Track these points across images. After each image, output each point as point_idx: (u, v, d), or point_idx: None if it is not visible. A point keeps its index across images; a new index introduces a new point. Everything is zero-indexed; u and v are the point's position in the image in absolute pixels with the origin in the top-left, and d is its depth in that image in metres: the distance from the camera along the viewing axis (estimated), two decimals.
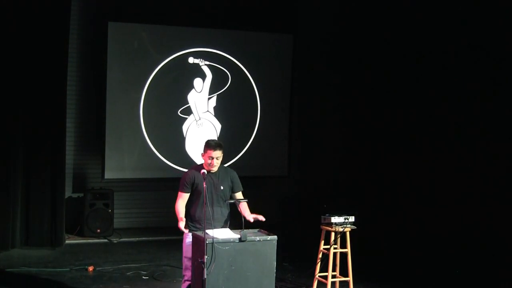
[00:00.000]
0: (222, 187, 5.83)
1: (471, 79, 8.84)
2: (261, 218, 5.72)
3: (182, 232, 5.77)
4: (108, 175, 10.14)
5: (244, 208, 5.93)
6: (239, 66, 10.84)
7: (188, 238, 5.74)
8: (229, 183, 5.91)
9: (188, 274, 5.72)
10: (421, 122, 9.76)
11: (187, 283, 5.74)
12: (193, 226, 5.79)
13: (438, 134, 9.42)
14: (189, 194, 5.84)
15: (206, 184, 5.68)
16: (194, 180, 5.80)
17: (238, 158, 10.85)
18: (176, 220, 5.75)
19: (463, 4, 8.87)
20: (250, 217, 5.78)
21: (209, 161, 5.74)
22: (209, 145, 5.78)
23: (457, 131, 9.06)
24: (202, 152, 5.85)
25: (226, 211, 5.91)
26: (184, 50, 10.50)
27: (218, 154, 5.75)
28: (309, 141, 11.54)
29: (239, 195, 5.97)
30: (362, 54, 10.95)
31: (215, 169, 5.78)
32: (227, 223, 5.91)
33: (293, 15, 11.29)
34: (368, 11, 10.82)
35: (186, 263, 5.76)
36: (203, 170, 5.69)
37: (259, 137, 11.00)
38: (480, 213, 8.59)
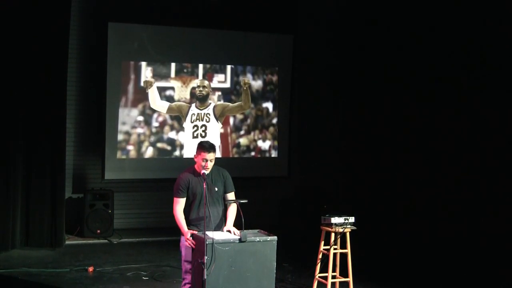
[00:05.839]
0: (216, 188, 5.79)
1: (473, 80, 8.83)
2: (235, 234, 5.61)
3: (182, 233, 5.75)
4: (108, 175, 10.14)
5: (231, 213, 5.86)
6: (239, 66, 10.85)
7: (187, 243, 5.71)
8: (222, 183, 5.87)
9: (188, 277, 5.69)
10: (422, 123, 9.76)
11: (188, 286, 5.72)
12: (191, 229, 5.75)
13: (439, 135, 9.42)
14: (185, 198, 5.78)
15: (199, 186, 5.67)
16: (189, 184, 5.76)
17: (239, 159, 10.85)
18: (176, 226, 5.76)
19: (467, 3, 8.85)
20: (229, 227, 5.72)
21: (203, 163, 5.69)
22: (203, 147, 5.73)
23: (458, 132, 9.06)
24: (195, 154, 5.82)
25: (221, 212, 5.88)
26: (184, 50, 10.52)
27: (212, 156, 5.72)
28: (309, 141, 11.54)
29: (231, 195, 5.91)
30: (362, 55, 10.95)
31: (208, 171, 5.74)
32: (222, 222, 5.88)
33: (293, 15, 11.29)
34: (368, 11, 10.81)
35: (186, 266, 5.73)
36: (203, 171, 5.68)
37: (259, 137, 11.00)
38: (481, 213, 8.58)
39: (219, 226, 5.80)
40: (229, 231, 5.69)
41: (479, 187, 8.64)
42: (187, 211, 5.80)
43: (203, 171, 5.68)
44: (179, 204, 5.78)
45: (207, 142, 5.88)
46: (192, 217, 5.77)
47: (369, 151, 10.81)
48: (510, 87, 8.30)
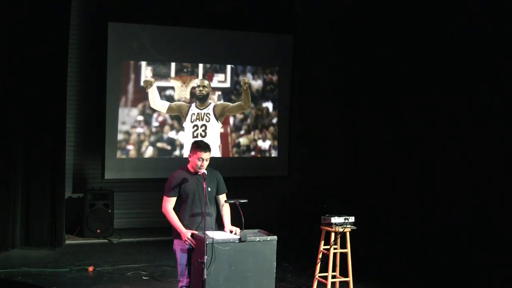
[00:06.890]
0: (209, 188, 5.77)
1: (473, 81, 8.83)
2: (237, 233, 5.63)
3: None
4: (108, 175, 10.14)
5: (226, 213, 5.88)
6: (239, 66, 10.85)
7: (181, 246, 5.70)
8: (215, 184, 5.86)
9: (184, 280, 5.69)
10: (421, 122, 9.76)
11: None
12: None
13: (438, 134, 9.42)
14: (176, 197, 5.77)
15: (193, 185, 5.67)
16: (181, 183, 5.74)
17: (239, 159, 10.85)
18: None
19: (467, 3, 8.85)
20: (229, 227, 5.75)
21: (199, 163, 5.68)
22: (199, 147, 5.73)
23: (459, 132, 9.06)
24: (190, 153, 5.81)
25: (214, 212, 5.87)
26: (184, 50, 10.52)
27: (208, 155, 5.72)
28: (309, 141, 11.54)
29: (223, 197, 5.91)
30: (362, 54, 10.96)
31: (203, 170, 5.73)
32: (215, 223, 5.87)
33: (293, 15, 11.30)
34: (368, 11, 10.82)
35: (182, 269, 5.73)
36: (203, 171, 5.68)
37: (259, 137, 11.01)
38: (481, 213, 8.59)
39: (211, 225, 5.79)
40: (231, 231, 5.69)
41: (479, 186, 8.64)
42: (177, 210, 5.78)
43: (202, 171, 5.68)
44: (170, 203, 5.76)
45: (202, 141, 5.89)
46: (185, 217, 5.75)
47: (369, 150, 10.81)
48: (510, 87, 8.31)
